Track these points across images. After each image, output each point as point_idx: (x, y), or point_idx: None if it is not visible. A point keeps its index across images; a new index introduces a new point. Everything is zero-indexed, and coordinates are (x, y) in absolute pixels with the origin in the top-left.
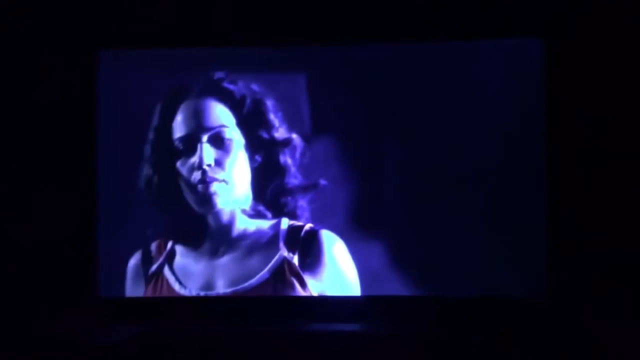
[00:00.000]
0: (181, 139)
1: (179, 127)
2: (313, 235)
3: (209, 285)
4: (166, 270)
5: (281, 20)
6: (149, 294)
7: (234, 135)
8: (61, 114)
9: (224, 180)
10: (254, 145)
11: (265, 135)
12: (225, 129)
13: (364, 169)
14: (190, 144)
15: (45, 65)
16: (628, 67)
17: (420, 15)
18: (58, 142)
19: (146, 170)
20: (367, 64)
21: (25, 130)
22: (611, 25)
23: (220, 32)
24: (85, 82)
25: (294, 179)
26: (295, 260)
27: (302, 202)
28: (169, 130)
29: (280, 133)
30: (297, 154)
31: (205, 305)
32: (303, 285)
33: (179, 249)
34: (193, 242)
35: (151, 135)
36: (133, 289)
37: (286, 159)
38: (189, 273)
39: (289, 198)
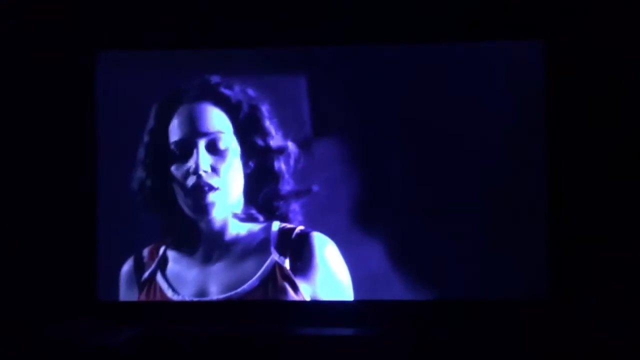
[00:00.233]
0: (177, 143)
1: (175, 131)
2: (304, 238)
3: (202, 292)
4: (159, 277)
5: (281, 21)
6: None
7: (230, 141)
8: (60, 116)
9: (218, 188)
10: (248, 152)
11: (260, 142)
12: (221, 135)
13: (364, 171)
14: (187, 148)
15: (44, 67)
16: (628, 69)
17: (421, 17)
18: (57, 146)
19: (139, 173)
20: (367, 65)
21: (23, 134)
22: (612, 27)
23: (219, 34)
24: (83, 84)
25: (287, 185)
26: (287, 264)
27: (295, 206)
28: (164, 133)
29: (275, 140)
30: (292, 161)
31: (201, 309)
32: (295, 289)
33: (171, 255)
34: (186, 248)
35: (146, 138)
36: (126, 296)
37: (280, 165)
38: (182, 280)
39: (282, 202)
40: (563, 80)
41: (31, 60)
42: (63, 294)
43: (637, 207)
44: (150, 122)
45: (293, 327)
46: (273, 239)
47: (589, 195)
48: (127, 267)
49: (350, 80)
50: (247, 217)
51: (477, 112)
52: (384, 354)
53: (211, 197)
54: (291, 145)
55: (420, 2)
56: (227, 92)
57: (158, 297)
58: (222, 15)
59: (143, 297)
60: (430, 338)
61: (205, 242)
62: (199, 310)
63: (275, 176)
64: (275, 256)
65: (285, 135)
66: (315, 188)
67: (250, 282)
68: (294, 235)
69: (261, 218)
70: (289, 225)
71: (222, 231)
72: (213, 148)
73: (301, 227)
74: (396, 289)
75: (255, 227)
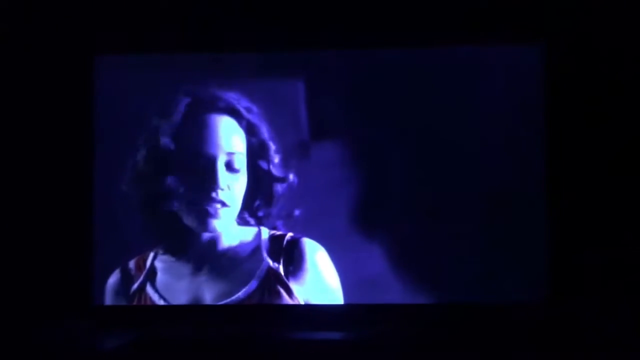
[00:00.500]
0: (197, 154)
1: (195, 141)
2: (295, 244)
3: (195, 300)
4: (148, 288)
5: (280, 24)
6: None
7: (244, 161)
8: (57, 120)
9: (229, 205)
10: (253, 173)
11: (264, 166)
12: (239, 155)
13: (363, 174)
14: (206, 162)
15: (41, 71)
16: (628, 71)
17: (419, 20)
18: (53, 151)
19: (137, 175)
20: (366, 68)
21: (20, 138)
22: (612, 30)
23: (217, 38)
24: (80, 88)
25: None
26: (281, 269)
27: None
28: (182, 139)
29: (277, 169)
30: (289, 189)
31: (196, 313)
32: (290, 294)
33: (159, 265)
34: (177, 256)
35: (153, 142)
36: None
37: (278, 190)
38: (173, 289)
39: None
40: (562, 83)
41: (28, 63)
42: (58, 298)
43: (636, 209)
44: (162, 126)
45: (289, 331)
46: (264, 246)
47: (588, 197)
48: (113, 279)
49: (349, 83)
50: (241, 221)
51: (476, 115)
52: (383, 356)
53: (221, 212)
54: (292, 177)
55: (420, 7)
56: (246, 114)
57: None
58: (219, 19)
59: None
60: (429, 340)
61: (197, 252)
62: (193, 314)
63: (272, 198)
64: (269, 262)
65: (285, 161)
66: (297, 212)
67: (245, 289)
68: (284, 243)
69: (252, 221)
70: (278, 232)
71: (215, 240)
72: (230, 166)
73: (291, 234)
74: (395, 292)
75: (245, 235)
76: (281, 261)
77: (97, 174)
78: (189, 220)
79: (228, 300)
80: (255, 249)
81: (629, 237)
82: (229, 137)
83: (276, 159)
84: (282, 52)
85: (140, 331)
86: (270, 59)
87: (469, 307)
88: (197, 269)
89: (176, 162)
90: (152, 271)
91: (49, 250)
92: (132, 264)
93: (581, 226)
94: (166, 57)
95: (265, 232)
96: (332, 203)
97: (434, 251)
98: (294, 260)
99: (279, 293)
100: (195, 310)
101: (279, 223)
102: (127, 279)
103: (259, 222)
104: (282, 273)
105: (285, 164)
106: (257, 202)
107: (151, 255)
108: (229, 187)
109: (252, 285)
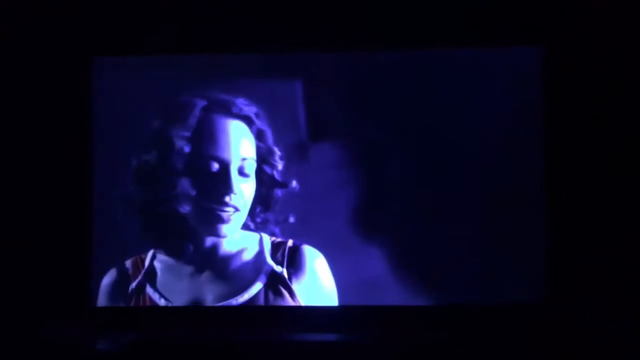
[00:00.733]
0: (211, 157)
1: (206, 145)
2: (295, 251)
3: (196, 301)
4: (148, 288)
5: (279, 25)
6: None
7: (254, 166)
8: (56, 121)
9: (239, 210)
10: (258, 178)
11: (268, 171)
12: (250, 161)
13: (361, 175)
14: (219, 166)
15: (40, 71)
16: (627, 73)
17: (419, 22)
18: (52, 152)
19: (146, 175)
20: (365, 69)
21: (18, 139)
22: (611, 31)
23: (216, 39)
24: (79, 89)
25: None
26: (285, 272)
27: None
28: (192, 143)
29: (281, 174)
30: (288, 194)
31: (195, 315)
32: (293, 296)
33: (159, 265)
34: (178, 257)
35: (166, 143)
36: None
37: (278, 195)
38: (174, 289)
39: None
40: (562, 84)
41: (27, 64)
42: (57, 299)
43: (635, 209)
44: (180, 127)
45: (287, 332)
46: (267, 250)
47: (587, 197)
48: (108, 279)
49: (348, 84)
50: (243, 225)
51: (476, 116)
52: (383, 357)
53: (232, 217)
54: (295, 184)
55: (419, 9)
56: (256, 119)
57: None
58: (218, 20)
59: None
60: (429, 341)
61: (200, 253)
62: (193, 316)
63: (273, 201)
64: (272, 266)
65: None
66: (292, 219)
67: (248, 290)
68: (286, 249)
69: (252, 225)
70: (278, 239)
71: (218, 243)
72: (242, 171)
73: (291, 241)
74: (394, 294)
75: (248, 239)
76: (284, 264)
77: (96, 174)
78: (198, 223)
79: (230, 301)
80: (258, 253)
81: (629, 237)
82: (242, 143)
83: (280, 165)
84: (281, 53)
85: (139, 332)
86: (269, 59)
87: (468, 307)
88: (198, 270)
89: (189, 165)
90: (152, 271)
91: (47, 252)
92: (128, 263)
93: (581, 226)
94: (165, 58)
95: (267, 238)
96: (330, 204)
97: (433, 252)
98: (294, 265)
99: (282, 295)
100: (193, 311)
101: (276, 230)
102: (124, 278)
103: (257, 227)
104: (286, 276)
105: (287, 170)
106: (258, 208)
107: (149, 255)
108: (241, 192)
109: (256, 287)
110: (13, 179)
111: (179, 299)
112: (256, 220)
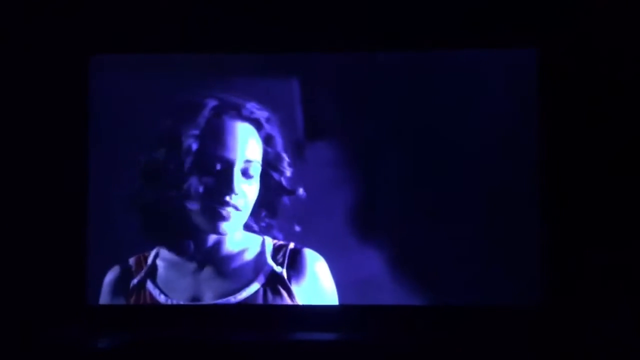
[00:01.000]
0: (214, 158)
1: (213, 145)
2: (297, 253)
3: (195, 298)
4: (149, 284)
5: (277, 26)
6: None
7: (259, 169)
8: (52, 120)
9: (241, 210)
10: (264, 183)
11: (276, 177)
12: (255, 163)
13: (359, 175)
14: (223, 166)
15: (36, 70)
16: (623, 74)
17: (418, 23)
18: (48, 151)
19: (153, 173)
20: (363, 69)
21: (14, 138)
22: (607, 32)
23: (214, 38)
24: (76, 88)
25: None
26: (284, 273)
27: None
28: (200, 143)
29: (288, 181)
30: (295, 203)
31: (193, 313)
32: (291, 296)
33: (161, 263)
34: (179, 255)
35: (173, 141)
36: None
37: (285, 202)
38: (174, 286)
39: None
40: (559, 84)
41: (23, 62)
42: (54, 299)
43: (632, 211)
44: (190, 127)
45: (286, 331)
46: (268, 251)
47: (584, 199)
48: (111, 276)
49: (345, 84)
50: (245, 227)
51: (474, 116)
52: (382, 358)
53: (232, 216)
54: (302, 192)
55: (416, 11)
56: (266, 124)
57: (149, 303)
58: (216, 20)
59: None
60: (426, 343)
61: (201, 252)
62: (190, 314)
63: (278, 208)
64: (272, 266)
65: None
66: (297, 229)
67: (247, 288)
68: (287, 251)
69: (256, 227)
70: (280, 242)
71: (220, 242)
72: (246, 173)
73: (293, 244)
74: (392, 295)
75: (250, 240)
76: (285, 266)
77: (92, 173)
78: (199, 220)
79: (229, 299)
80: (259, 254)
81: (629, 237)
82: (249, 145)
83: (288, 172)
84: (279, 52)
85: (137, 331)
86: (267, 59)
87: (466, 309)
88: (199, 268)
89: (196, 163)
90: (154, 268)
91: (44, 252)
92: (132, 261)
93: (580, 227)
94: (161, 57)
95: (269, 241)
96: (328, 204)
97: (431, 253)
98: (295, 268)
99: (281, 295)
100: (191, 310)
101: (280, 235)
102: (126, 275)
103: (261, 231)
104: (285, 277)
105: (296, 177)
106: (263, 212)
107: (153, 253)
108: (242, 193)
109: (255, 286)
110: (9, 178)
111: (179, 296)
112: (260, 224)
